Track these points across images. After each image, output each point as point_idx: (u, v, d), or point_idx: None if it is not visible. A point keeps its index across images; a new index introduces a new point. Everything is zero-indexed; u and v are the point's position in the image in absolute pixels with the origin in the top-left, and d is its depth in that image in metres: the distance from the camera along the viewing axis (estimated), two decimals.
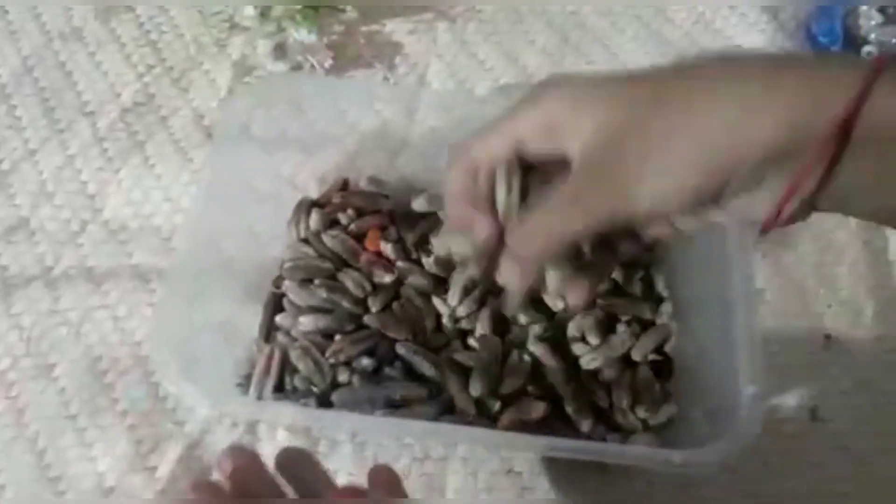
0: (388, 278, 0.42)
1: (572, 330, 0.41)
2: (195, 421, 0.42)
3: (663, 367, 0.41)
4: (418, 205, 0.45)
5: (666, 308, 0.42)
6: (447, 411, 0.38)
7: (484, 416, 0.38)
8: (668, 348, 0.41)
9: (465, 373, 0.39)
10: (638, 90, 0.27)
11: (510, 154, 0.29)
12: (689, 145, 0.25)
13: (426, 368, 0.39)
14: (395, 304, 0.42)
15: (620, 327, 0.41)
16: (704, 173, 0.25)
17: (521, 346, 0.40)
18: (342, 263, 0.43)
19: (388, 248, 0.43)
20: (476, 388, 0.38)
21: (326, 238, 0.44)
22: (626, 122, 0.27)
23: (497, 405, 0.38)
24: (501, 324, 0.41)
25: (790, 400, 0.43)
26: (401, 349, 0.39)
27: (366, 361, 0.39)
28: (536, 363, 0.40)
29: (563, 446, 0.34)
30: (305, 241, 0.45)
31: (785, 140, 0.24)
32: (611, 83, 0.28)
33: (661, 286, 0.43)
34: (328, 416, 0.38)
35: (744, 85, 0.25)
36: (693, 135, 0.25)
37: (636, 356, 0.40)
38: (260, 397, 0.39)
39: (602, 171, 0.27)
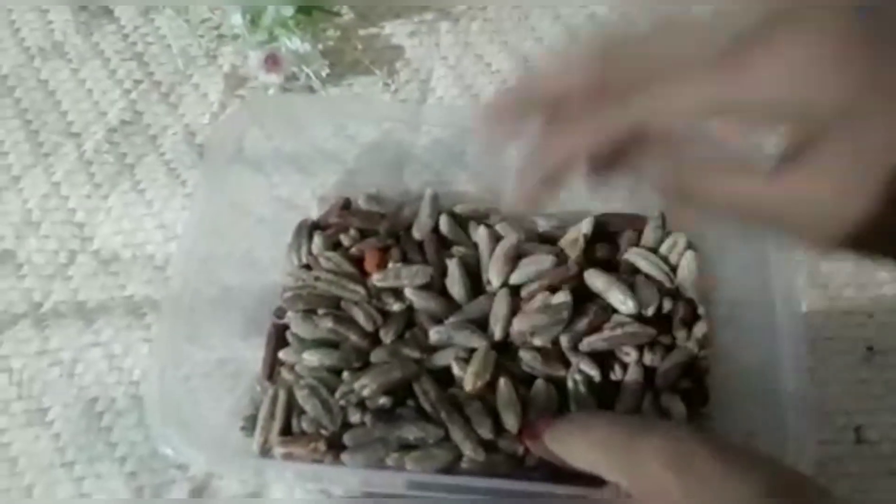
0: (397, 306, 0.40)
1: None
2: (199, 464, 0.39)
3: (694, 393, 0.38)
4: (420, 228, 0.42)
5: (699, 328, 0.39)
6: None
7: (505, 455, 0.35)
8: (700, 371, 0.39)
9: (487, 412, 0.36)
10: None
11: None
12: None
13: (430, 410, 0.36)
14: (407, 334, 0.39)
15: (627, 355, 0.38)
16: None
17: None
18: (347, 291, 0.40)
19: (392, 272, 0.40)
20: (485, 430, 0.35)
21: (329, 264, 0.41)
22: None
23: (521, 448, 0.35)
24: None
25: (833, 419, 0.40)
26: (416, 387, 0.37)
27: (383, 400, 0.36)
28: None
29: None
30: (307, 266, 0.42)
31: None
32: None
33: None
34: (337, 472, 0.35)
35: None
36: None
37: (659, 382, 0.38)
38: (266, 442, 0.36)
39: None
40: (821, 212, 0.21)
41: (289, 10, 0.46)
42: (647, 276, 0.40)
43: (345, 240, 0.42)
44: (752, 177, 0.22)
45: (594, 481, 0.30)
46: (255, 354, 0.40)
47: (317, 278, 0.40)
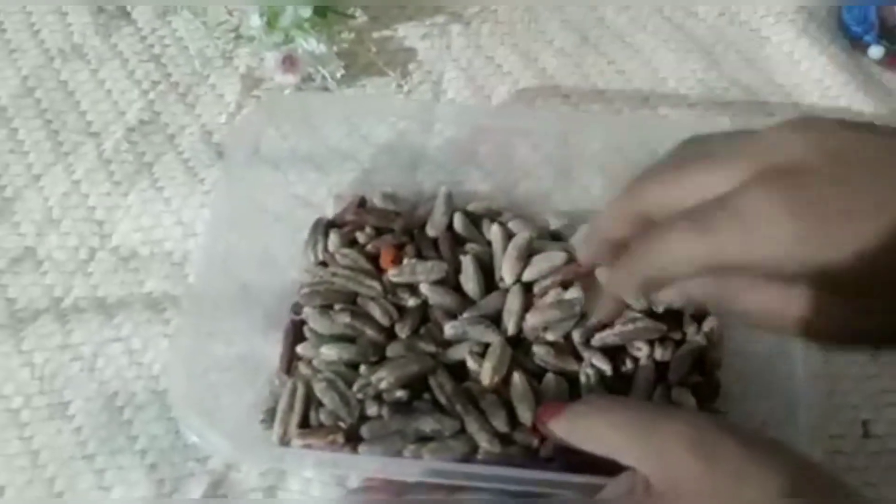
0: (412, 301, 0.40)
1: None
2: (218, 457, 0.40)
3: (704, 387, 0.39)
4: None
5: (709, 323, 0.40)
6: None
7: (520, 447, 0.36)
8: (711, 365, 0.39)
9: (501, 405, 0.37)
10: None
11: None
12: None
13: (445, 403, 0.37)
14: (422, 329, 0.40)
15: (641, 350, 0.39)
16: None
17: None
18: (363, 287, 0.41)
19: (408, 268, 0.41)
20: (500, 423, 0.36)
21: (345, 260, 0.42)
22: None
23: (536, 441, 0.36)
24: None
25: (840, 413, 0.41)
26: (432, 380, 0.37)
27: (400, 393, 0.37)
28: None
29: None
30: (323, 263, 0.43)
31: None
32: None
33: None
34: (356, 460, 0.36)
35: None
36: None
37: (670, 376, 0.38)
38: (285, 434, 0.37)
39: None
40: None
41: (306, 12, 0.47)
42: None
43: (360, 237, 0.43)
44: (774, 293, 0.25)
45: (608, 471, 0.31)
46: (273, 349, 0.41)
47: (334, 274, 0.41)
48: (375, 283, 0.41)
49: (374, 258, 0.42)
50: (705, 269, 0.24)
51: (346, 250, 0.42)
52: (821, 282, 0.23)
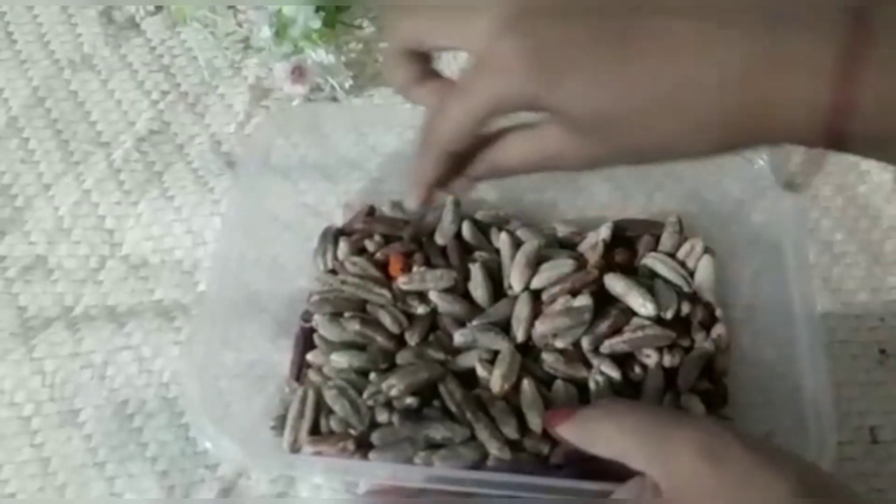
0: (422, 309, 0.41)
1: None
2: (228, 464, 0.40)
3: (713, 394, 0.39)
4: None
5: (717, 330, 0.40)
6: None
7: (530, 454, 0.36)
8: (719, 372, 0.39)
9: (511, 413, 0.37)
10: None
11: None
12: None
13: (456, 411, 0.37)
14: (431, 336, 0.40)
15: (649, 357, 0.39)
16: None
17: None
18: (373, 295, 0.41)
19: (417, 276, 0.41)
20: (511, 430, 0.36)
21: (354, 268, 0.42)
22: None
23: (546, 448, 0.36)
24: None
25: (848, 420, 0.41)
26: (441, 387, 0.38)
27: (409, 400, 0.37)
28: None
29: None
30: (333, 271, 0.43)
31: None
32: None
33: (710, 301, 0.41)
34: (366, 467, 0.36)
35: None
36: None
37: (679, 383, 0.39)
38: (295, 441, 0.37)
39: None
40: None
41: (316, 23, 0.48)
42: (666, 280, 0.41)
43: (369, 245, 0.43)
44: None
45: (618, 478, 0.31)
46: (283, 356, 0.41)
47: (343, 282, 0.41)
48: (385, 291, 0.41)
49: (383, 266, 0.42)
50: (470, 131, 0.28)
51: (356, 258, 0.42)
52: (561, 122, 0.27)
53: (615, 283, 0.40)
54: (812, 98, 0.22)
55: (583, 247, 0.43)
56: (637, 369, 0.39)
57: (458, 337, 0.39)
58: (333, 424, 0.38)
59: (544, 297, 0.41)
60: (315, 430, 0.38)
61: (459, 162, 0.30)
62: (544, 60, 0.25)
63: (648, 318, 0.39)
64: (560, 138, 0.27)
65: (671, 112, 0.24)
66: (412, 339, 0.40)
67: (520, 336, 0.39)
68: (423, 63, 0.30)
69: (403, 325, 0.40)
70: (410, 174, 0.32)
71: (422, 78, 0.30)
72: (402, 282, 0.41)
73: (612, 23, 0.25)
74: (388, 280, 0.42)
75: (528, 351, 0.40)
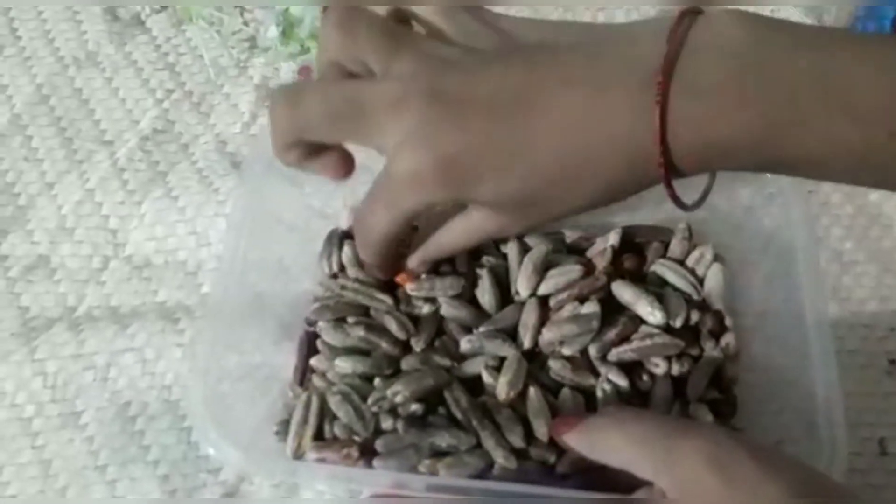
0: (427, 308, 0.40)
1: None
2: (230, 468, 0.40)
3: (722, 403, 0.38)
4: None
5: (727, 339, 0.39)
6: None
7: (536, 463, 0.36)
8: (728, 381, 0.39)
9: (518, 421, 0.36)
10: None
11: None
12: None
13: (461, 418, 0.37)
14: (437, 342, 0.40)
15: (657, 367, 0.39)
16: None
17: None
18: (374, 301, 0.40)
19: (426, 284, 0.41)
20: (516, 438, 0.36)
21: (355, 273, 0.41)
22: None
23: (553, 457, 0.35)
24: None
25: (856, 431, 0.41)
26: (447, 394, 0.37)
27: (414, 407, 0.37)
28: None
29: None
30: (336, 276, 0.42)
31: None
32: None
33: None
34: (370, 474, 0.36)
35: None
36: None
37: (688, 392, 0.38)
38: (299, 447, 0.37)
39: None
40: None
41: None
42: (675, 288, 0.40)
43: None
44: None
45: (625, 489, 0.30)
46: (287, 360, 0.41)
47: (343, 287, 0.41)
48: (386, 297, 0.40)
49: None
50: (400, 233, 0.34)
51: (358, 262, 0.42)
52: (488, 208, 0.32)
53: (623, 292, 0.40)
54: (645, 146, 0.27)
55: (591, 252, 0.42)
56: (645, 378, 0.38)
57: (465, 343, 0.39)
58: (337, 430, 0.37)
59: (552, 303, 0.40)
60: (319, 436, 0.38)
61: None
62: (452, 172, 0.28)
63: (657, 327, 0.39)
64: (493, 218, 0.32)
65: (574, 181, 0.28)
66: (417, 345, 0.39)
67: (526, 343, 0.39)
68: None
69: (410, 331, 0.39)
70: (364, 263, 0.39)
71: (314, 153, 0.33)
72: (411, 289, 0.40)
73: (503, 110, 0.28)
74: (391, 285, 0.41)
75: (534, 358, 0.39)
